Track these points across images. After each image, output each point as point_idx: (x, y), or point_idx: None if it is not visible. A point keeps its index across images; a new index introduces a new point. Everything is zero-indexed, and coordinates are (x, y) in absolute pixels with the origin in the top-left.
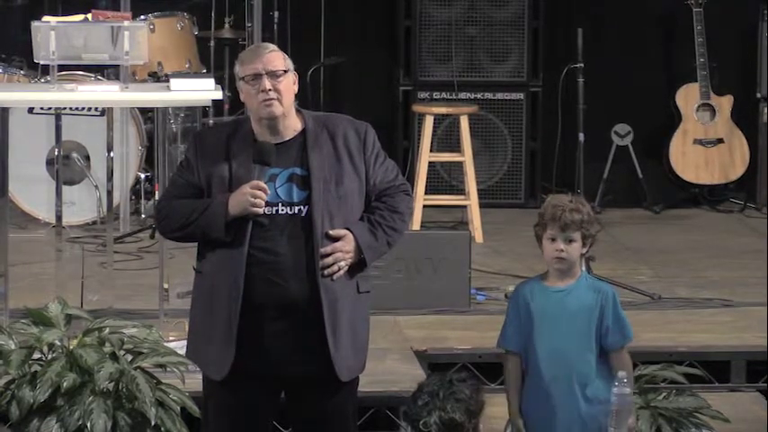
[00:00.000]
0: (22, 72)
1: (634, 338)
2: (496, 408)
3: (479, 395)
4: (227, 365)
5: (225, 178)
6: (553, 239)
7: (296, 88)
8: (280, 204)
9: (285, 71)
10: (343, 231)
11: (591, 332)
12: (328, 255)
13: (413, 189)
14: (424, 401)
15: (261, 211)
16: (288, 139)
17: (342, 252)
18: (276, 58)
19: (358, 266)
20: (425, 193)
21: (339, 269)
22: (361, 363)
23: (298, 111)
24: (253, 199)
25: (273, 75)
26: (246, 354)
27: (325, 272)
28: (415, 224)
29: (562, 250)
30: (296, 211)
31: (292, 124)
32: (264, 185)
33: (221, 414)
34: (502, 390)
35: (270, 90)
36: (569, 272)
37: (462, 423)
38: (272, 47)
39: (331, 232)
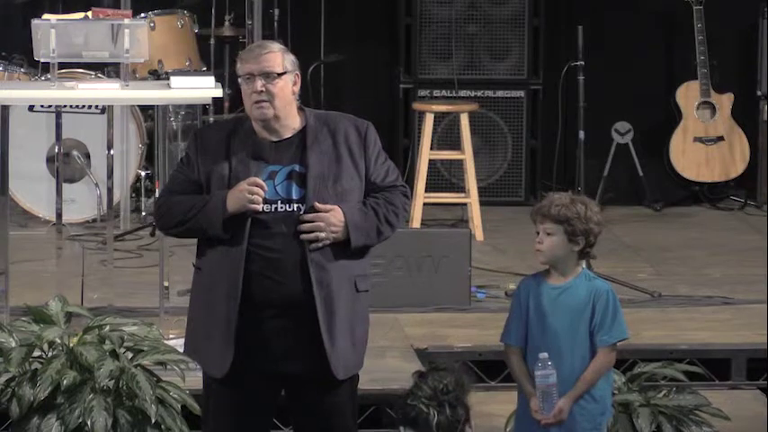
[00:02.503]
0: (22, 70)
1: (634, 336)
2: (497, 406)
3: (466, 371)
4: (227, 363)
5: (224, 176)
6: (537, 232)
7: (296, 89)
8: (279, 202)
9: (281, 73)
10: (331, 206)
11: (585, 329)
12: (310, 223)
13: (413, 187)
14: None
15: (259, 207)
16: (288, 136)
17: (324, 223)
18: (273, 59)
19: (346, 250)
20: (426, 191)
21: (318, 239)
22: (359, 361)
23: (300, 109)
24: (250, 195)
25: (267, 76)
26: (246, 351)
27: (301, 236)
28: (416, 222)
29: (539, 242)
30: (294, 209)
31: (291, 123)
32: (261, 182)
33: (221, 412)
34: (503, 388)
35: (261, 92)
36: (564, 268)
37: (448, 385)
38: (273, 47)
39: (320, 206)
